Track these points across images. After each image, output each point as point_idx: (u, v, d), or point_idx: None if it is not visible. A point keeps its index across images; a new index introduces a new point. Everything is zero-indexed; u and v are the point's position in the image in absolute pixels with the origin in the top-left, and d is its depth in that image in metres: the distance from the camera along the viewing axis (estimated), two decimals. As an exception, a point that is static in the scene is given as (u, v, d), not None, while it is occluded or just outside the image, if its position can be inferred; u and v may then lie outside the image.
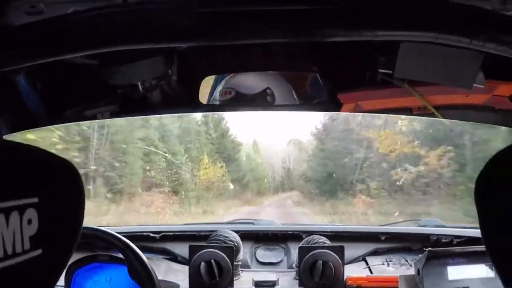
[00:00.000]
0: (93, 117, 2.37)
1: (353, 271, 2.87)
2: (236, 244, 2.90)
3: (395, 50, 1.86)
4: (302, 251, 2.75)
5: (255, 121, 27.84)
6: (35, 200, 0.88)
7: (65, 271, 2.36)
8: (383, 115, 9.63)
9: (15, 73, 2.05)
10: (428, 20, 1.43)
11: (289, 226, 3.51)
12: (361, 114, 2.26)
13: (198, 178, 21.23)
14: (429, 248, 2.49)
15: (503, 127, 2.53)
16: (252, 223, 3.55)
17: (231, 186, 22.27)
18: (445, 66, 1.85)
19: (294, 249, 3.09)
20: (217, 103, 2.43)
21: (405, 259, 3.11)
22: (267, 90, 2.37)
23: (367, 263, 3.11)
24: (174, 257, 3.21)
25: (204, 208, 19.72)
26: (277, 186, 26.52)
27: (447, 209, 15.07)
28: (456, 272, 2.46)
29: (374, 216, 17.13)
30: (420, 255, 2.53)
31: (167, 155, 19.75)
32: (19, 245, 0.84)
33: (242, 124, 25.11)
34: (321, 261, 2.66)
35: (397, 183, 18.18)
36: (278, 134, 27.88)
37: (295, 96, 2.46)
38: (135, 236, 2.93)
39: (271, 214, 19.79)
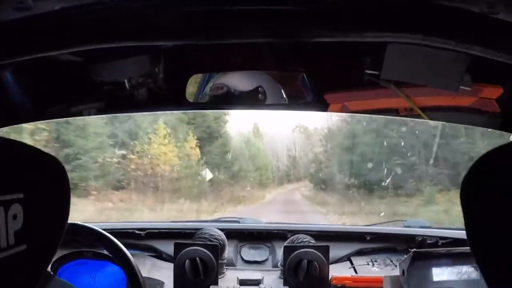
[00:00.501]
0: (79, 114, 2.36)
1: (338, 271, 2.87)
2: (221, 242, 2.91)
3: (382, 51, 1.87)
4: (287, 250, 2.76)
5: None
6: (21, 195, 0.88)
7: (49, 267, 2.35)
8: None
9: (1, 69, 2.04)
10: (414, 22, 1.44)
11: (274, 225, 3.51)
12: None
13: (132, 160, 15.00)
14: (414, 249, 2.50)
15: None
16: (238, 221, 3.56)
17: (208, 176, 16.75)
18: (431, 68, 1.85)
19: (279, 248, 3.09)
20: (207, 98, 2.42)
21: (390, 259, 3.12)
22: (259, 88, 2.36)
23: (352, 263, 3.12)
24: (159, 254, 3.21)
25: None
26: (282, 176, 22.77)
27: None
28: (441, 273, 2.46)
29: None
30: (405, 256, 2.53)
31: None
32: (4, 240, 0.84)
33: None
34: (306, 260, 2.67)
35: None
36: (281, 120, 24.35)
37: (284, 96, 2.46)
38: (120, 233, 2.92)
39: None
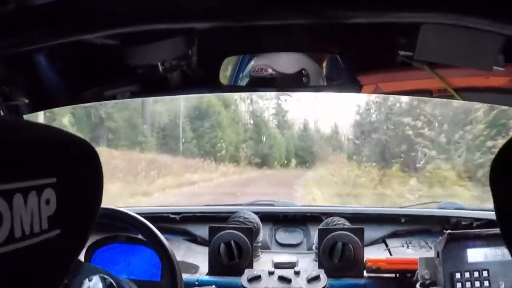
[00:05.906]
0: (113, 97, 2.38)
1: (372, 253, 2.88)
2: (255, 225, 2.92)
3: (416, 32, 1.85)
4: (322, 233, 2.77)
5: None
6: (53, 180, 0.88)
7: (84, 251, 2.38)
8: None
9: (35, 53, 2.06)
10: (449, 2, 1.42)
11: (308, 207, 3.51)
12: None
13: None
14: (449, 231, 2.47)
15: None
16: (272, 205, 3.55)
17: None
18: (465, 48, 1.83)
19: (313, 231, 3.09)
20: (247, 81, 2.42)
21: (424, 241, 3.11)
22: (303, 71, 2.35)
23: (386, 245, 3.11)
24: (194, 238, 3.23)
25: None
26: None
27: None
28: (475, 254, 2.45)
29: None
30: (440, 238, 2.52)
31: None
32: (37, 225, 0.84)
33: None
34: (340, 243, 2.68)
35: None
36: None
37: (324, 77, 2.45)
38: (155, 217, 2.94)
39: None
